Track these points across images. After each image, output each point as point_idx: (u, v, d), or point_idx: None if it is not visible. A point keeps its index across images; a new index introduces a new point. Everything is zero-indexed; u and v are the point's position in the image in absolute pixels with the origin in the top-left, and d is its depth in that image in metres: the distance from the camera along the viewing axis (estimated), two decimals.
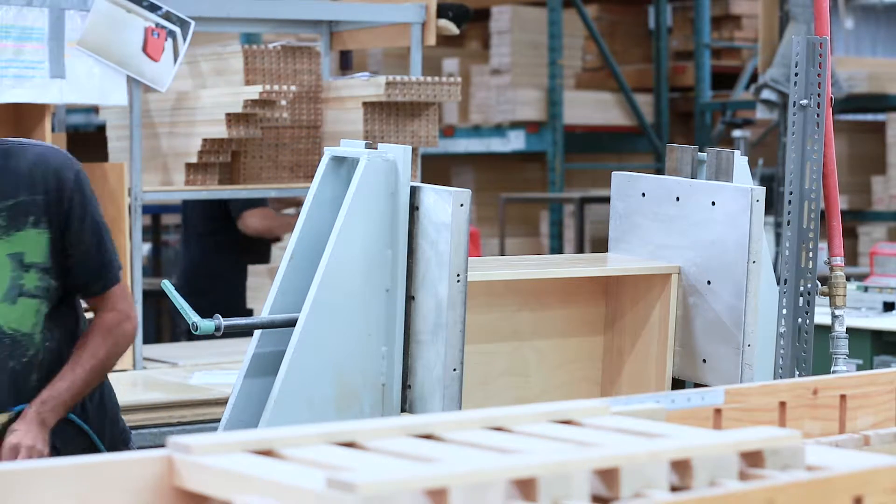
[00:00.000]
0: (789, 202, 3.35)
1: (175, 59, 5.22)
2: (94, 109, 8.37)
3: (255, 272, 6.21)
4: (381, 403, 3.10)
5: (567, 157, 11.15)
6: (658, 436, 2.02)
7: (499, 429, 2.10)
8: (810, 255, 3.34)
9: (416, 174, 5.55)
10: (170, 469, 1.91)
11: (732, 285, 3.29)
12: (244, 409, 3.15)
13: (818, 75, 3.34)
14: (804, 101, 3.34)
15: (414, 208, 3.08)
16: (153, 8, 5.17)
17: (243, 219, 6.45)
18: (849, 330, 3.48)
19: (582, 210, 10.62)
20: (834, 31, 6.11)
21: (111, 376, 3.42)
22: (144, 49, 5.17)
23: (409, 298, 3.09)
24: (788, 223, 3.35)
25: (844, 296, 3.45)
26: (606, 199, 4.59)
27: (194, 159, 5.56)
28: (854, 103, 9.85)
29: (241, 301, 6.20)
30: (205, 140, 5.53)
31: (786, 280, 3.34)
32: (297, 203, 6.59)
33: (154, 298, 8.77)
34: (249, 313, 6.05)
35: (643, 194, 3.53)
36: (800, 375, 3.30)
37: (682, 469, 1.92)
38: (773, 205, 9.03)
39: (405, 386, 3.11)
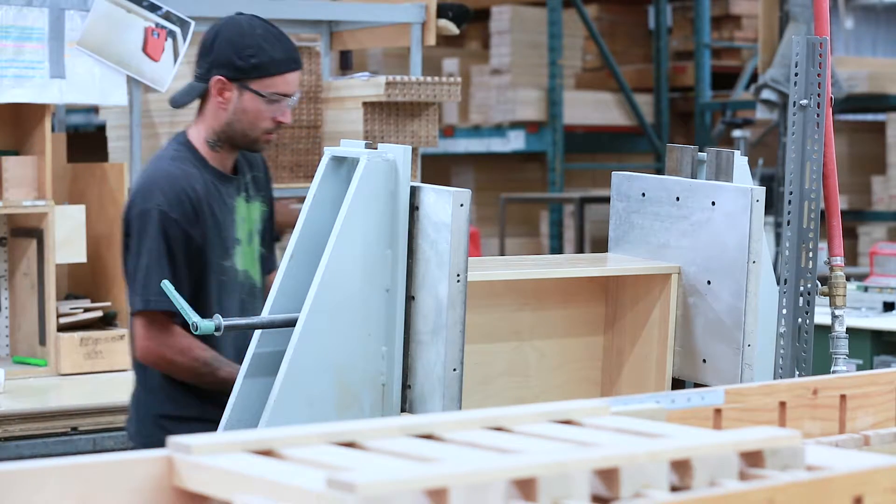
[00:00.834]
0: (789, 202, 3.35)
1: (175, 59, 5.22)
2: (94, 109, 8.37)
3: None
4: (381, 403, 3.10)
5: (567, 157, 11.16)
6: (658, 436, 2.02)
7: (499, 429, 2.10)
8: (810, 255, 3.34)
9: (416, 174, 5.55)
10: (170, 469, 1.91)
11: (732, 285, 3.29)
12: (244, 409, 3.15)
13: (818, 75, 3.34)
14: (804, 101, 3.34)
15: (414, 208, 3.08)
16: (153, 8, 5.17)
17: None
18: (849, 330, 3.48)
19: (582, 210, 10.62)
20: (834, 31, 6.11)
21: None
22: (144, 49, 5.17)
23: (409, 298, 3.09)
24: (788, 223, 3.35)
25: (844, 296, 3.45)
26: (606, 199, 4.59)
27: None
28: (854, 103, 9.85)
29: None
30: None
31: (786, 280, 3.34)
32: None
33: None
34: None
35: (643, 194, 3.53)
36: (800, 375, 3.30)
37: (682, 469, 1.92)
38: (773, 205, 9.03)
39: (405, 386, 3.11)
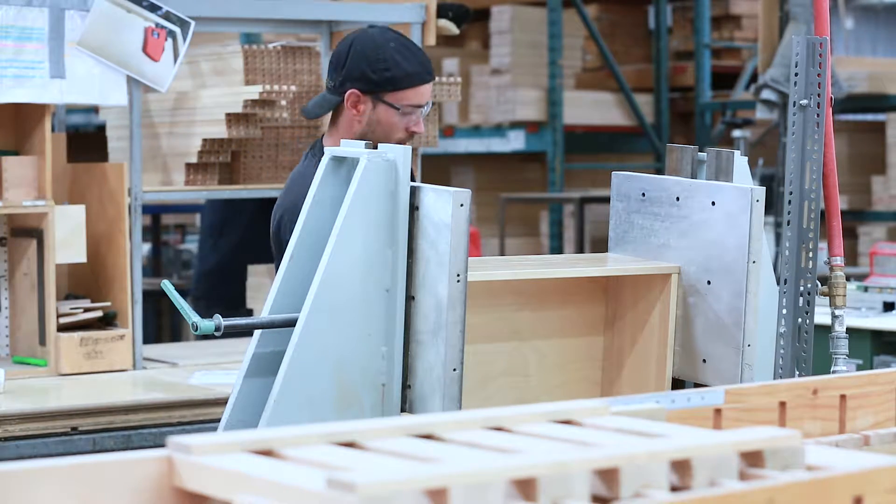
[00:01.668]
0: (789, 202, 3.35)
1: (175, 59, 5.22)
2: (94, 109, 8.37)
3: (255, 272, 6.21)
4: (381, 403, 3.10)
5: (567, 157, 11.15)
6: (658, 436, 2.02)
7: (499, 429, 2.10)
8: (810, 255, 3.34)
9: (417, 174, 5.54)
10: (170, 469, 1.91)
11: (732, 285, 3.29)
12: (244, 409, 3.15)
13: (818, 75, 3.34)
14: (804, 101, 3.34)
15: (414, 208, 3.08)
16: (153, 8, 5.17)
17: None
18: (849, 330, 3.48)
19: (582, 210, 10.62)
20: (834, 31, 6.11)
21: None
22: (144, 49, 5.17)
23: (409, 298, 3.09)
24: (788, 223, 3.35)
25: (844, 296, 3.45)
26: (606, 199, 4.59)
27: (194, 159, 5.56)
28: (854, 103, 9.84)
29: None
30: (205, 140, 5.53)
31: (786, 280, 3.34)
32: None
33: (154, 298, 8.77)
34: (249, 313, 6.05)
35: (643, 194, 3.53)
36: (800, 375, 3.30)
37: (682, 469, 1.92)
38: (773, 205, 9.03)
39: (405, 386, 3.11)
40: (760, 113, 9.33)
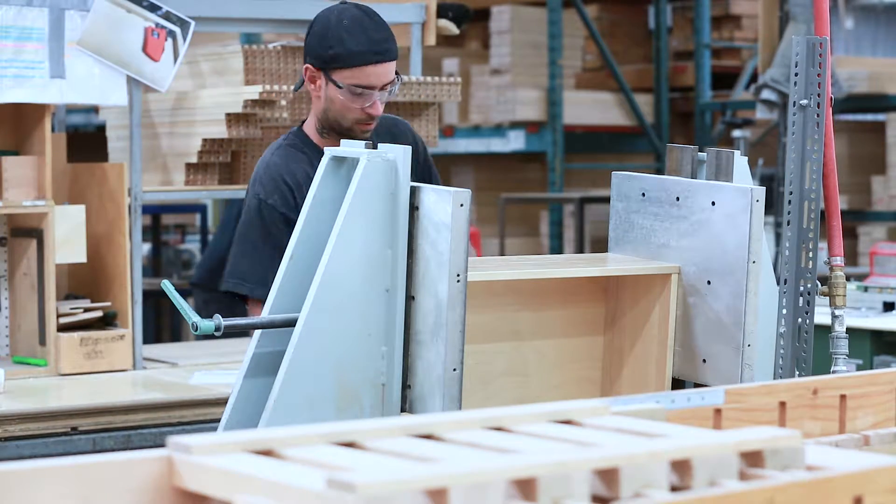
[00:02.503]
0: (789, 202, 3.35)
1: (175, 59, 5.22)
2: (94, 109, 8.37)
3: None
4: (381, 403, 3.10)
5: (567, 157, 11.15)
6: (658, 436, 2.02)
7: (499, 429, 2.10)
8: (810, 255, 3.34)
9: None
10: (170, 469, 1.91)
11: (732, 285, 3.29)
12: (244, 409, 3.15)
13: (818, 75, 3.34)
14: (804, 101, 3.34)
15: (414, 208, 3.08)
16: (153, 8, 5.17)
17: None
18: (849, 330, 3.48)
19: (582, 210, 10.62)
20: (834, 31, 6.11)
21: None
22: (144, 49, 5.17)
23: (409, 298, 3.09)
24: (788, 223, 3.35)
25: (844, 296, 3.45)
26: (606, 199, 4.59)
27: (194, 159, 5.56)
28: (854, 103, 9.84)
29: None
30: (205, 140, 5.53)
31: (786, 280, 3.34)
32: None
33: (154, 298, 8.77)
34: None
35: (643, 194, 3.53)
36: (800, 375, 3.30)
37: (682, 469, 1.92)
38: (773, 205, 9.03)
39: (405, 386, 3.11)
40: (760, 113, 9.34)
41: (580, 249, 10.56)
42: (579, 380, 3.57)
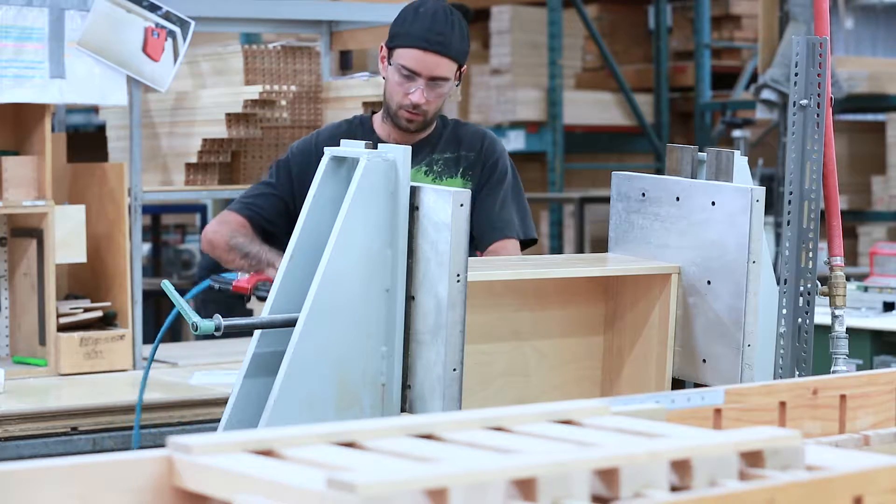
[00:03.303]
0: (789, 202, 3.35)
1: (175, 59, 5.22)
2: (94, 109, 8.37)
3: None
4: (381, 403, 3.10)
5: (567, 157, 11.15)
6: (658, 436, 2.02)
7: (499, 429, 2.10)
8: (810, 255, 3.34)
9: None
10: (170, 469, 1.91)
11: (732, 285, 3.29)
12: (244, 409, 3.15)
13: (818, 75, 3.34)
14: (804, 101, 3.34)
15: (414, 208, 3.08)
16: (153, 8, 5.16)
17: None
18: (849, 330, 3.48)
19: (582, 210, 10.62)
20: (834, 31, 6.11)
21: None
22: (144, 49, 5.17)
23: (409, 298, 3.09)
24: (788, 223, 3.35)
25: (844, 296, 3.45)
26: (606, 199, 4.59)
27: (194, 159, 5.56)
28: (854, 103, 9.84)
29: None
30: (205, 140, 5.53)
31: (786, 280, 3.34)
32: None
33: (154, 298, 8.77)
34: (249, 313, 6.05)
35: (643, 194, 3.53)
36: (800, 375, 3.30)
37: (682, 469, 1.92)
38: (773, 205, 9.02)
39: (405, 386, 3.11)
40: (760, 113, 9.34)
41: (580, 249, 10.56)
42: (579, 380, 3.57)
